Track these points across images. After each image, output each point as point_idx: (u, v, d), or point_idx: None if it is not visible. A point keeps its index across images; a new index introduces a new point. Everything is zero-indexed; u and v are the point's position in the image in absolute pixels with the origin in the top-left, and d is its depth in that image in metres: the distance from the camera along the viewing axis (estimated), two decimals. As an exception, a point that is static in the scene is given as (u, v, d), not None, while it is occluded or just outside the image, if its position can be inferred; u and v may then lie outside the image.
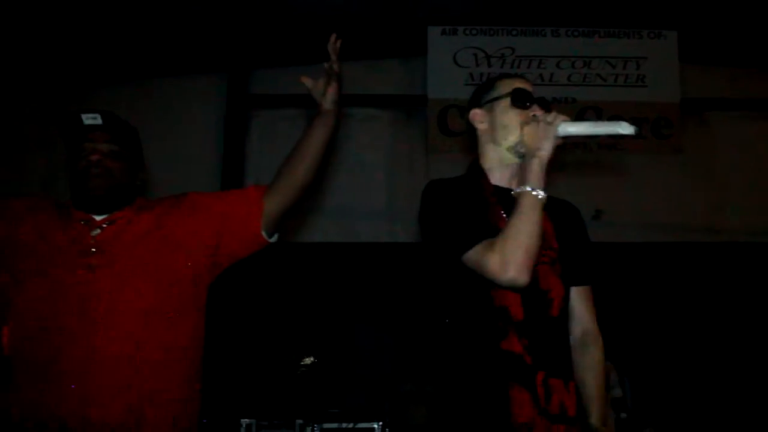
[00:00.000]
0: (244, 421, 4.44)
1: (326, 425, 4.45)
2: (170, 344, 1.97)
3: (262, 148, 5.86)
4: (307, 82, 2.20)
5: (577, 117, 5.82)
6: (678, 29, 5.92)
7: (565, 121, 1.89)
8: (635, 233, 5.82)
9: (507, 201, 1.95)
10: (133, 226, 2.04)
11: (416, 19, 5.68)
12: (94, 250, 1.97)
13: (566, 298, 2.00)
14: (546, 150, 1.89)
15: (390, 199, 5.85)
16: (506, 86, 2.07)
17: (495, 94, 2.08)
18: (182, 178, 5.62)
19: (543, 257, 1.92)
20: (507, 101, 2.05)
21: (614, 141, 5.88)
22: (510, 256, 1.80)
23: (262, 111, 5.96)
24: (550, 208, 1.95)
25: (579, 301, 2.08)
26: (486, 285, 1.88)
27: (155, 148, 5.60)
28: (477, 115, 2.11)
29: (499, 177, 2.05)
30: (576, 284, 2.07)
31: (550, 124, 1.89)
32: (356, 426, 4.42)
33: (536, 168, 1.88)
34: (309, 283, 5.50)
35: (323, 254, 5.57)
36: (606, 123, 1.92)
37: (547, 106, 2.04)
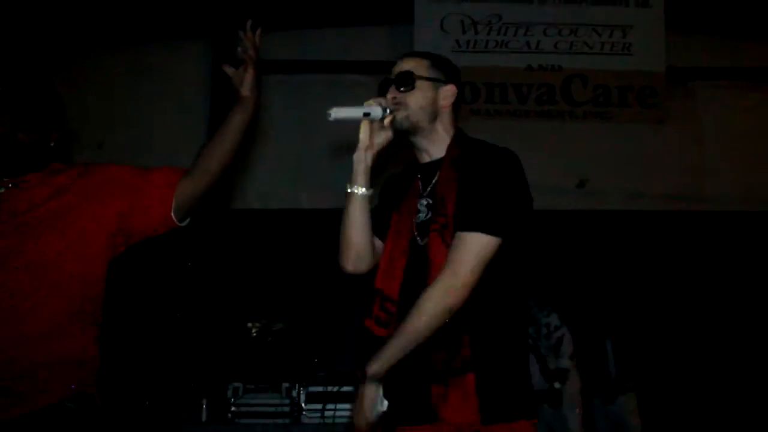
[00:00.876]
0: (232, 385, 4.48)
1: (311, 388, 4.50)
2: (58, 309, 1.97)
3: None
4: (227, 69, 2.20)
5: (563, 84, 5.85)
6: (664, -3, 5.90)
7: (337, 107, 2.04)
8: (619, 201, 5.85)
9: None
10: (38, 189, 2.05)
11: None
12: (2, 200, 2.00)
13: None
14: (358, 145, 2.12)
15: (377, 168, 5.85)
16: None
17: None
18: (169, 144, 5.65)
19: (434, 224, 1.96)
20: None
21: (602, 110, 5.90)
22: (342, 255, 2.16)
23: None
24: (467, 164, 1.98)
25: (452, 246, 1.92)
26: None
27: (143, 112, 5.70)
28: None
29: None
30: (456, 232, 1.94)
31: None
32: (341, 389, 4.45)
33: (353, 165, 2.13)
34: (287, 250, 5.53)
35: (308, 221, 5.58)
36: (364, 107, 2.06)
37: (385, 87, 2.15)
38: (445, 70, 2.15)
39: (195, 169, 2.16)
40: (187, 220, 2.19)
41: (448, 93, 2.13)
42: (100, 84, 5.75)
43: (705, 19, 6.02)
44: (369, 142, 2.10)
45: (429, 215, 2.01)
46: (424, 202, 2.04)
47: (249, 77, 2.14)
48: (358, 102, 2.12)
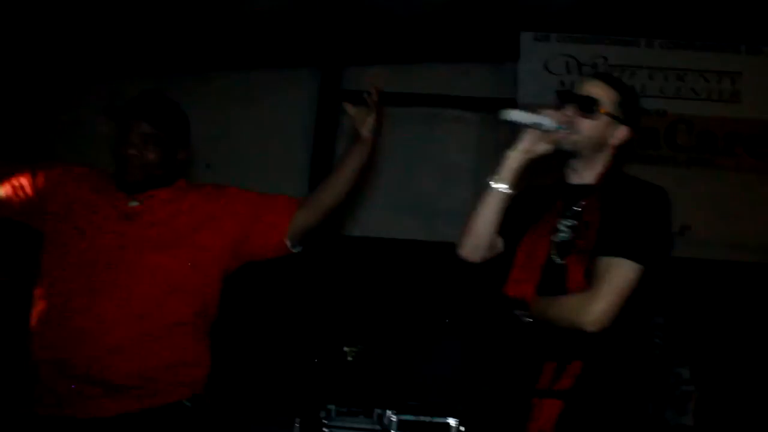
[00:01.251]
0: (326, 407, 4.59)
1: (403, 416, 4.52)
2: (179, 317, 2.15)
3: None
4: (350, 109, 2.30)
5: (668, 130, 5.78)
6: (776, 45, 5.77)
7: (517, 110, 2.09)
8: (721, 251, 5.71)
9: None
10: (167, 204, 2.24)
11: (509, 24, 5.70)
12: (127, 217, 2.19)
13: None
14: (516, 150, 2.12)
15: (475, 200, 5.89)
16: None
17: None
18: (272, 172, 5.85)
19: (575, 247, 2.00)
20: None
21: (705, 157, 5.79)
22: (462, 235, 2.18)
23: (353, 107, 6.07)
24: (615, 199, 2.03)
25: (595, 268, 1.96)
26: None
27: (250, 135, 5.93)
28: None
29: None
30: (600, 256, 1.98)
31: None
32: (432, 420, 4.48)
33: (503, 161, 2.13)
34: (390, 278, 5.62)
35: (407, 251, 5.68)
36: (538, 116, 2.06)
37: (568, 99, 2.12)
38: (628, 110, 2.15)
39: (311, 202, 2.32)
40: (299, 248, 2.33)
41: (621, 134, 2.15)
42: (211, 105, 6.00)
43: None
44: (529, 148, 2.10)
45: (571, 236, 2.04)
46: (568, 223, 2.07)
47: (371, 119, 2.25)
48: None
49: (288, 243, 2.29)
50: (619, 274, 1.90)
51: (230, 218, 2.26)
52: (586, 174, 2.13)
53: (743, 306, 5.55)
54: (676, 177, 5.79)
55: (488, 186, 2.13)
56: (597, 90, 2.10)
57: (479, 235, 2.15)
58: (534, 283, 2.05)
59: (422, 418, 4.48)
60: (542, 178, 2.30)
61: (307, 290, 5.52)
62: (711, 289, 5.49)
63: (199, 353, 2.23)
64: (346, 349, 5.25)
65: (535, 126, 2.05)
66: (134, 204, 2.23)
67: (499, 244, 2.22)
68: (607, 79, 2.19)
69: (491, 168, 6.28)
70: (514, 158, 2.11)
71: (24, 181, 2.25)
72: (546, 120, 2.03)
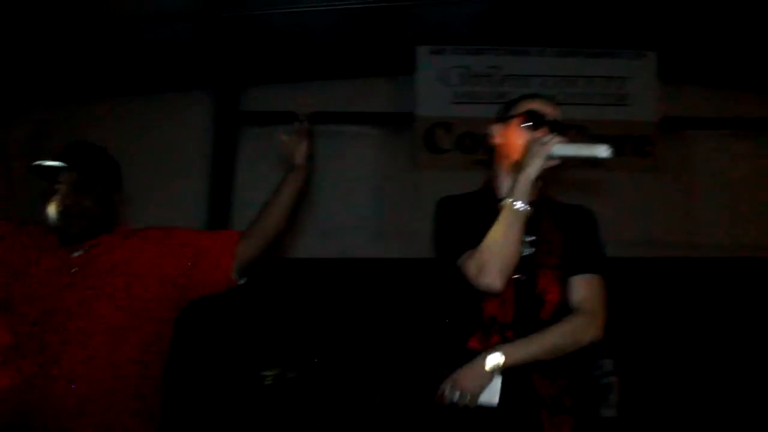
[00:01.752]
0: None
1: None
2: (133, 364, 2.15)
3: (252, 165, 5.94)
4: (281, 137, 2.31)
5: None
6: (658, 50, 6.06)
7: (560, 143, 2.03)
8: (616, 249, 5.89)
9: None
10: (112, 252, 2.22)
11: (404, 38, 5.79)
12: (74, 270, 2.16)
13: (561, 305, 2.13)
14: (534, 167, 2.04)
15: (377, 215, 5.94)
16: (524, 106, 2.23)
17: (512, 112, 2.25)
18: (170, 196, 5.72)
19: (546, 263, 2.11)
20: (519, 120, 2.21)
21: (597, 160, 6.02)
22: (486, 263, 1.99)
23: (252, 128, 6.03)
24: (560, 217, 2.19)
25: (577, 286, 2.15)
26: (478, 292, 2.06)
27: (143, 165, 5.77)
28: (495, 129, 2.30)
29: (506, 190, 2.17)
30: (574, 274, 2.16)
31: (543, 144, 2.04)
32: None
33: (522, 182, 2.04)
34: (298, 298, 5.58)
35: (311, 269, 5.63)
36: (588, 146, 2.05)
37: (561, 128, 2.17)
38: None
39: (252, 233, 2.31)
40: (245, 279, 2.34)
41: None
42: (106, 133, 5.82)
43: (697, 71, 6.20)
44: (542, 166, 2.08)
45: (532, 251, 2.13)
46: (528, 239, 2.12)
47: (303, 148, 2.28)
48: None
49: (234, 277, 2.30)
50: (600, 290, 2.16)
51: (174, 262, 2.26)
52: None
53: (638, 299, 5.79)
54: (571, 180, 5.99)
55: (512, 207, 2.04)
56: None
57: (508, 258, 2.03)
58: (512, 300, 2.09)
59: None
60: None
61: (216, 316, 5.42)
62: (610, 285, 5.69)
63: (154, 402, 2.22)
64: (264, 373, 5.19)
65: (593, 156, 2.06)
66: (78, 254, 2.21)
67: None
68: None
69: (390, 182, 6.36)
70: (530, 178, 2.07)
71: None
72: (603, 148, 2.05)
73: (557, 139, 2.05)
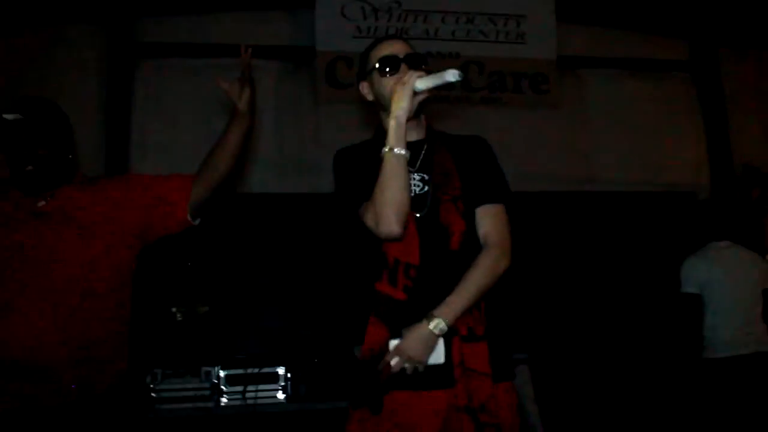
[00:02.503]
0: (151, 371, 4.45)
1: (232, 371, 4.51)
2: (99, 296, 2.30)
3: (147, 99, 5.78)
4: (223, 84, 2.38)
5: (461, 70, 6.04)
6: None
7: (418, 78, 2.08)
8: (514, 183, 6.04)
9: None
10: (73, 199, 2.36)
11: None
12: (37, 217, 2.31)
13: (467, 233, 2.17)
14: (403, 109, 2.09)
15: (279, 149, 5.89)
16: (375, 56, 2.27)
17: (369, 65, 2.29)
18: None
19: (445, 195, 2.14)
20: (377, 72, 2.25)
21: (497, 96, 6.15)
22: (380, 214, 2.06)
23: (147, 61, 5.84)
24: (453, 147, 2.24)
25: (482, 217, 2.22)
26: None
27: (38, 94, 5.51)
28: (363, 88, 2.34)
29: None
30: (479, 205, 2.22)
31: (404, 85, 2.09)
32: (261, 371, 4.50)
33: (393, 128, 2.10)
34: (200, 233, 5.52)
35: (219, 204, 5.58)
36: (441, 73, 2.08)
37: (418, 62, 2.21)
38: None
39: (202, 177, 2.44)
40: (199, 220, 2.51)
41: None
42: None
43: (593, 10, 6.35)
44: (408, 108, 2.10)
45: (425, 189, 2.19)
46: (417, 177, 2.20)
47: (246, 94, 2.36)
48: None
49: (189, 218, 2.46)
50: (504, 218, 2.23)
51: (132, 207, 2.40)
52: (415, 132, 2.26)
53: (537, 230, 6.01)
54: (471, 115, 6.10)
55: (391, 155, 2.08)
56: (413, 50, 2.29)
57: (404, 204, 2.08)
58: (416, 238, 2.13)
59: (250, 370, 4.49)
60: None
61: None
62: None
63: (120, 340, 2.38)
64: (173, 309, 5.14)
65: (446, 82, 2.08)
66: (42, 203, 2.35)
67: None
68: (405, 40, 2.36)
69: (291, 117, 6.31)
70: (402, 123, 2.12)
71: None
72: (453, 73, 2.06)
73: (414, 75, 2.10)
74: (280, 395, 4.53)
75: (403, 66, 2.21)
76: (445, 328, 2.05)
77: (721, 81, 6.73)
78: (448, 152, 2.24)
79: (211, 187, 2.43)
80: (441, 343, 2.08)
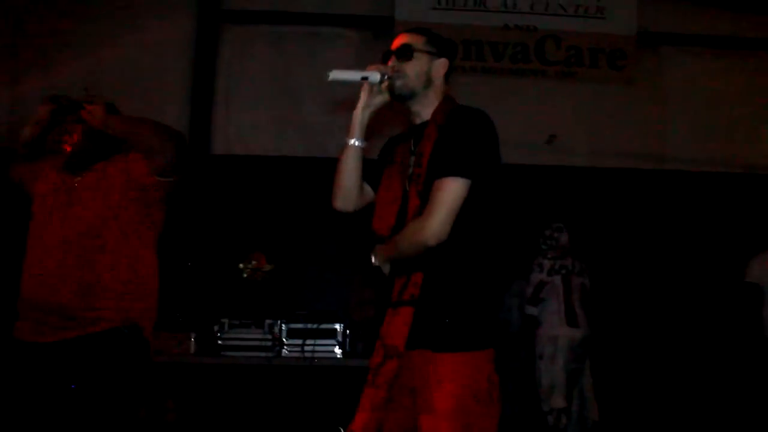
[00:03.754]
0: (219, 321, 4.75)
1: (292, 325, 4.76)
2: (108, 248, 2.73)
3: (232, 65, 5.99)
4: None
5: (537, 44, 6.09)
6: (638, -37, 6.10)
7: (338, 70, 2.33)
8: (586, 158, 6.13)
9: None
10: (104, 173, 2.82)
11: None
12: (71, 188, 2.81)
13: (422, 209, 2.24)
14: (360, 101, 2.39)
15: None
16: None
17: None
18: (153, 95, 5.79)
19: (414, 175, 2.29)
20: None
21: (573, 70, 6.15)
22: (333, 192, 2.46)
23: (233, 27, 6.05)
24: (445, 126, 2.30)
25: (432, 191, 2.23)
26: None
27: (126, 63, 5.80)
28: None
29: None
30: (434, 177, 2.24)
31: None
32: (320, 326, 4.73)
33: (352, 121, 2.40)
34: (274, 195, 5.75)
35: (294, 168, 5.79)
36: (361, 71, 2.32)
37: (397, 54, 2.39)
38: (439, 45, 2.44)
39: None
40: (172, 177, 2.82)
41: (440, 65, 2.41)
42: (92, 31, 5.85)
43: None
44: (367, 102, 2.37)
45: (411, 171, 2.33)
46: (413, 158, 2.34)
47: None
48: (357, 66, 2.38)
49: (157, 177, 2.79)
50: (446, 190, 2.17)
51: (130, 171, 2.81)
52: (425, 112, 2.38)
53: (609, 206, 6.03)
54: (545, 89, 6.13)
55: (345, 144, 2.41)
56: (406, 39, 2.42)
57: (346, 187, 2.43)
58: (393, 215, 2.33)
59: (310, 326, 4.72)
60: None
61: (199, 211, 5.59)
62: (577, 194, 5.91)
63: (130, 288, 2.76)
64: (240, 266, 5.41)
65: (363, 80, 2.32)
66: (78, 180, 2.82)
67: (369, 192, 2.48)
68: (411, 30, 2.51)
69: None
70: (357, 115, 2.39)
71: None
72: (371, 73, 2.31)
73: (339, 71, 2.33)
74: (337, 350, 4.76)
75: (391, 58, 2.41)
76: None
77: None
78: (436, 130, 2.31)
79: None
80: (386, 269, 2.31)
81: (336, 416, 4.39)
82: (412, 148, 2.37)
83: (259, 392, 4.50)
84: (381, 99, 2.38)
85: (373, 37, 6.12)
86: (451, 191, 2.16)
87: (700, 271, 5.99)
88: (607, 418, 5.07)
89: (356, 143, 2.40)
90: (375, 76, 2.30)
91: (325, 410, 4.24)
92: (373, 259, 2.32)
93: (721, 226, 6.12)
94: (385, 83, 2.34)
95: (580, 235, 5.44)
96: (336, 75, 2.31)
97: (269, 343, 4.72)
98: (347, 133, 2.40)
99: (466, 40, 6.02)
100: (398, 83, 2.34)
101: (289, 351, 4.71)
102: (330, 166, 5.92)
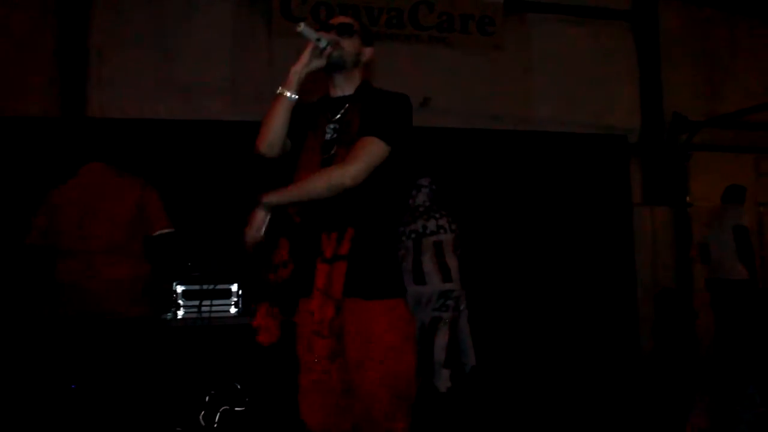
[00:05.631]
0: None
1: (189, 287, 4.86)
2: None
3: (105, 29, 5.88)
4: None
5: (411, 9, 6.30)
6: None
7: (306, 27, 2.50)
8: (459, 120, 6.42)
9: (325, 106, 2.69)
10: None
11: None
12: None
13: None
14: (300, 61, 2.56)
15: (233, 79, 6.07)
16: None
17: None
18: (22, 64, 5.61)
19: (340, 141, 2.55)
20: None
21: (444, 36, 6.40)
22: (258, 137, 2.58)
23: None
24: (369, 102, 2.58)
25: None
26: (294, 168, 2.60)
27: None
28: None
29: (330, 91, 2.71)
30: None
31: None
32: (216, 287, 4.84)
33: (290, 74, 2.56)
34: (150, 160, 5.70)
35: (168, 130, 5.76)
36: (319, 35, 2.53)
37: (340, 29, 2.63)
38: (369, 35, 2.72)
39: None
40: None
41: (369, 52, 2.71)
42: None
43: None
44: (308, 63, 2.55)
45: (334, 136, 2.57)
46: (332, 126, 2.59)
47: None
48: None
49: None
50: (369, 146, 2.46)
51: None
52: (346, 87, 2.64)
53: (479, 165, 6.35)
54: (418, 53, 6.35)
55: (279, 94, 2.56)
56: (347, 20, 2.68)
57: (274, 134, 2.56)
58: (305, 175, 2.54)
59: (205, 287, 4.82)
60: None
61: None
62: (450, 154, 6.20)
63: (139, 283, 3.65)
64: None
65: (317, 42, 2.51)
66: None
67: (288, 144, 2.68)
68: (349, 16, 2.81)
69: (246, 48, 6.44)
70: (297, 71, 2.56)
71: None
72: (323, 38, 2.52)
73: (322, 35, 2.53)
74: (233, 310, 4.88)
75: (333, 31, 2.62)
76: (264, 205, 2.46)
77: (658, 32, 7.11)
78: (362, 106, 2.59)
79: None
80: (265, 218, 2.47)
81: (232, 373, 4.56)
82: (331, 117, 2.61)
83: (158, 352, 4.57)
84: (318, 63, 2.56)
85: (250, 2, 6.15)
86: (374, 148, 2.45)
87: (560, 224, 6.49)
88: (482, 363, 5.41)
89: (291, 96, 2.54)
90: (324, 42, 2.50)
91: (223, 368, 4.40)
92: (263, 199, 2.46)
93: (580, 184, 6.60)
94: (328, 50, 2.54)
95: (451, 193, 5.70)
96: (303, 30, 2.48)
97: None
98: (283, 84, 2.54)
99: (343, 3, 6.13)
100: (335, 53, 2.56)
101: (186, 312, 4.82)
102: (207, 128, 6.00)
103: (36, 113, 5.62)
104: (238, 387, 4.56)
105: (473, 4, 6.49)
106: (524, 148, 6.55)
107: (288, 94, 2.55)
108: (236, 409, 4.49)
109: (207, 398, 4.44)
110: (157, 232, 3.69)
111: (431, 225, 5.17)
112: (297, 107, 2.61)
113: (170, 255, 3.82)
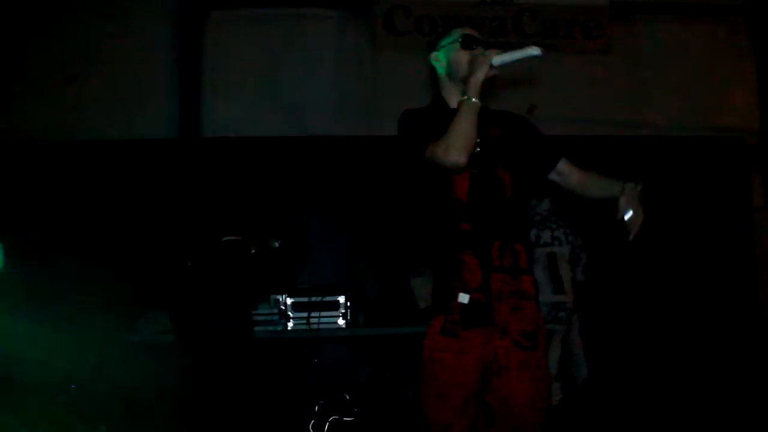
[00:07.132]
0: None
1: (297, 299, 5.00)
2: None
3: (217, 50, 6.12)
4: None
5: (515, 17, 6.26)
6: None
7: (498, 54, 2.51)
8: (565, 127, 6.30)
9: None
10: None
11: None
12: None
13: (516, 184, 2.60)
14: (481, 72, 2.51)
15: (338, 95, 6.18)
16: (457, 33, 2.70)
17: (450, 39, 2.71)
18: (139, 86, 5.92)
19: (493, 157, 2.59)
20: (458, 44, 2.66)
21: (550, 42, 6.32)
22: (451, 144, 2.43)
23: (218, 11, 6.16)
24: (498, 119, 2.68)
25: (563, 167, 2.82)
26: (445, 179, 2.55)
27: (111, 53, 5.89)
28: (435, 57, 2.74)
29: (455, 102, 2.61)
30: (554, 163, 2.79)
31: (485, 56, 2.52)
32: (324, 299, 4.96)
33: (473, 84, 2.50)
34: (262, 175, 5.88)
35: (276, 147, 5.92)
36: (521, 50, 2.51)
37: (489, 46, 2.62)
38: None
39: None
40: None
41: None
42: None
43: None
44: (487, 72, 2.52)
45: (478, 150, 2.57)
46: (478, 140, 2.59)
47: None
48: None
49: None
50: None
51: None
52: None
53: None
54: (524, 62, 6.27)
55: (468, 101, 2.50)
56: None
57: (469, 140, 2.47)
58: (465, 190, 2.56)
59: (314, 299, 4.93)
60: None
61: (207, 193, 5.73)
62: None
63: None
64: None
65: (533, 55, 2.51)
66: None
67: None
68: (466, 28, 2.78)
69: (351, 63, 6.54)
70: (479, 80, 2.52)
71: None
72: (535, 50, 2.51)
73: (495, 51, 2.52)
74: (341, 321, 4.97)
75: (480, 46, 2.63)
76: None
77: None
78: (495, 125, 2.65)
79: None
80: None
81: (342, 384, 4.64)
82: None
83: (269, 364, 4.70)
84: (492, 73, 2.55)
85: (354, 16, 6.25)
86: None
87: (680, 235, 6.20)
88: (595, 376, 5.29)
89: (479, 102, 2.52)
90: (539, 51, 2.50)
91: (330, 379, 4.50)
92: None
93: (696, 189, 6.34)
94: (496, 71, 2.55)
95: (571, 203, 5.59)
96: (501, 60, 2.50)
97: (276, 317, 4.96)
98: (470, 92, 2.51)
99: (445, 15, 6.16)
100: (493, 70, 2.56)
101: (295, 324, 4.96)
102: (312, 144, 6.11)
103: (157, 135, 5.93)
104: (347, 397, 4.63)
105: (578, 9, 6.38)
106: (635, 153, 6.34)
107: (475, 100, 2.51)
108: (345, 419, 4.57)
109: (316, 408, 4.54)
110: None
111: (545, 236, 5.12)
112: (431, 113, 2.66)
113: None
